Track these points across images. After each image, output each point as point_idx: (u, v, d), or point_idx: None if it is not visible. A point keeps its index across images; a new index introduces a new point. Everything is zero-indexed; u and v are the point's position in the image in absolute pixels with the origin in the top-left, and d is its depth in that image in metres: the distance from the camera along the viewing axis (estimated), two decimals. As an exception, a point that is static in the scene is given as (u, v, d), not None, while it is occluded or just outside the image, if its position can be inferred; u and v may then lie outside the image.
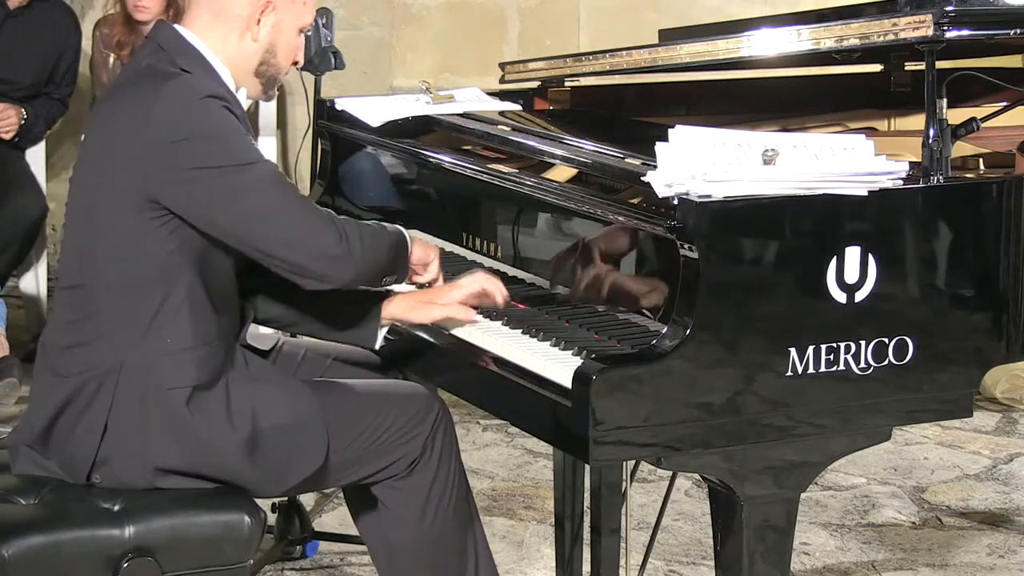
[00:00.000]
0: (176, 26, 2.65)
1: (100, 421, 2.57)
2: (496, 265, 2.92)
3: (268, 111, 5.82)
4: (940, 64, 2.59)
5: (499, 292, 2.69)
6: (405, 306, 2.73)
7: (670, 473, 3.39)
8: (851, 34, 2.74)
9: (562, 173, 2.85)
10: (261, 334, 2.85)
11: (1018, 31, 2.70)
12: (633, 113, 3.47)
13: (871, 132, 3.19)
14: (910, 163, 2.51)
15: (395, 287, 2.74)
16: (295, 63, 2.75)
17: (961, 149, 2.77)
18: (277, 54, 2.68)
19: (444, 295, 2.71)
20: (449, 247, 3.07)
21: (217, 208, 2.52)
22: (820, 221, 2.40)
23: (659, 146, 2.41)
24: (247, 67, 2.67)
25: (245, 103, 2.68)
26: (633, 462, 3.07)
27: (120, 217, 2.54)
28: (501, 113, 3.29)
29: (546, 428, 2.42)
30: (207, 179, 2.50)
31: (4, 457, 2.71)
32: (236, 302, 2.69)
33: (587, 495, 3.27)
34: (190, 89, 2.53)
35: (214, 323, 2.61)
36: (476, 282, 2.70)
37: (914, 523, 4.19)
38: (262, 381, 2.67)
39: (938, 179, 2.52)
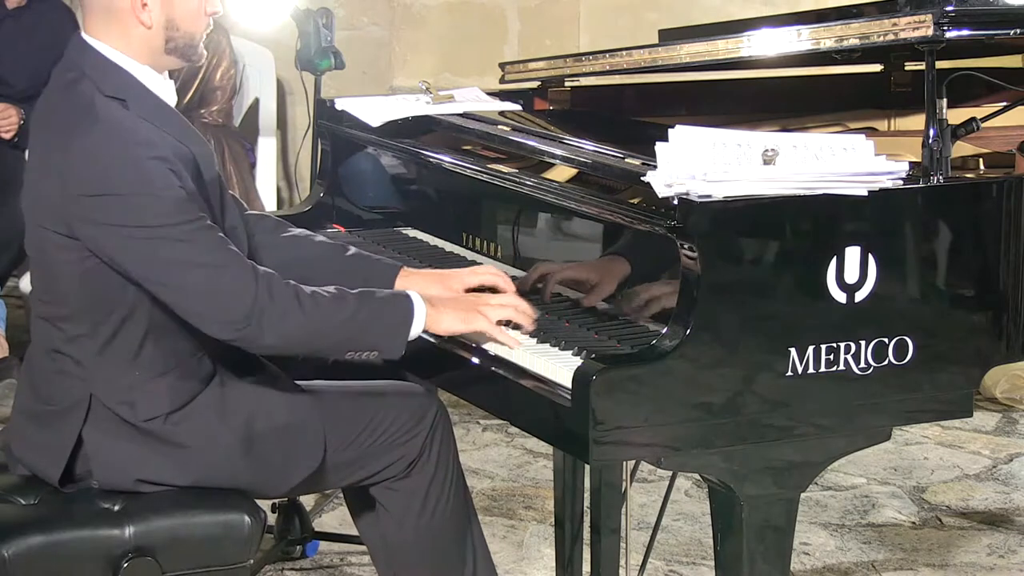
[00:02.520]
0: (89, 41, 2.55)
1: (68, 446, 2.56)
2: (496, 265, 2.92)
3: (268, 111, 5.81)
4: (940, 64, 2.59)
5: (529, 317, 2.56)
6: (439, 317, 2.57)
7: (670, 473, 3.39)
8: (851, 34, 2.74)
9: (562, 173, 2.85)
10: None
11: (1018, 31, 2.70)
12: (633, 113, 3.47)
13: (871, 132, 3.19)
14: (910, 163, 2.51)
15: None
16: (213, 14, 2.62)
17: (961, 149, 2.77)
18: (180, 26, 2.57)
19: (479, 313, 2.55)
20: (449, 247, 3.07)
21: (128, 264, 2.47)
22: (820, 221, 2.40)
23: (659, 146, 2.41)
24: (157, 50, 2.57)
25: (172, 96, 2.60)
26: (633, 462, 3.07)
27: (62, 254, 2.51)
28: (501, 113, 3.29)
29: (546, 428, 2.42)
30: (114, 236, 2.44)
31: (4, 458, 2.72)
32: None
33: (587, 495, 3.27)
34: (110, 138, 2.45)
35: (188, 340, 2.57)
36: (510, 303, 2.58)
37: (914, 523, 4.19)
38: (259, 382, 2.65)
39: (938, 179, 2.52)
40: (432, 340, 2.66)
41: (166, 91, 2.60)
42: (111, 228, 2.44)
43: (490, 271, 2.69)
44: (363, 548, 3.59)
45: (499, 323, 2.55)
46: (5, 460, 2.69)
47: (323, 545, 3.87)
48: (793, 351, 2.37)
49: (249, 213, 2.82)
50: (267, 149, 5.77)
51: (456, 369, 2.64)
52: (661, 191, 2.37)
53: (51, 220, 2.50)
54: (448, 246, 3.07)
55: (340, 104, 3.34)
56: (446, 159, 3.04)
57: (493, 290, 2.66)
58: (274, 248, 2.76)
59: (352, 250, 2.79)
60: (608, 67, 3.29)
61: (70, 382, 2.57)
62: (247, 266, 2.49)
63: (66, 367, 2.57)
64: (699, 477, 2.69)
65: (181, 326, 2.55)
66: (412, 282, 2.69)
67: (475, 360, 2.57)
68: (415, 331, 2.55)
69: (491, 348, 2.55)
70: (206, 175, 2.57)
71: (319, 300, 2.50)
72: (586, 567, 3.32)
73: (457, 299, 2.62)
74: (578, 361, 2.38)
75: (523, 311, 2.55)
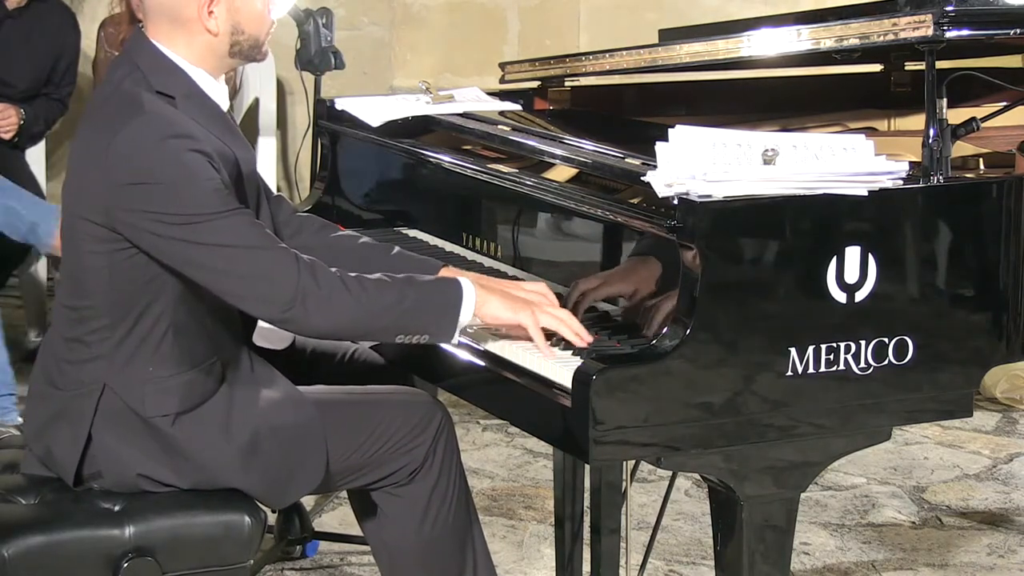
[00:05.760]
0: (150, 39, 2.60)
1: (82, 437, 2.57)
2: (496, 265, 2.92)
3: (268, 111, 5.82)
4: (940, 64, 2.59)
5: (578, 337, 2.48)
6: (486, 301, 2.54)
7: (670, 473, 3.39)
8: (851, 34, 2.74)
9: (562, 173, 2.85)
10: (273, 334, 2.84)
11: (1018, 31, 2.70)
12: (633, 113, 3.47)
13: (871, 132, 3.19)
14: (910, 163, 2.51)
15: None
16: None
17: (961, 149, 2.77)
18: (245, 30, 2.62)
19: (527, 309, 2.51)
20: (449, 247, 3.07)
21: (169, 252, 2.49)
22: (820, 221, 2.40)
23: (659, 146, 2.41)
24: (221, 55, 2.62)
25: (225, 100, 2.65)
26: (633, 462, 3.07)
27: (95, 246, 2.53)
28: (501, 113, 3.29)
29: (546, 428, 2.42)
30: (156, 223, 2.46)
31: (11, 456, 2.72)
32: (237, 313, 2.64)
33: (587, 495, 3.27)
34: (152, 129, 2.48)
35: (205, 343, 2.59)
36: (561, 315, 2.51)
37: (914, 523, 4.19)
38: (265, 392, 2.65)
39: (938, 179, 2.52)
40: (469, 342, 2.60)
41: (218, 94, 2.64)
42: (152, 216, 2.46)
43: (538, 290, 2.62)
44: (363, 548, 3.61)
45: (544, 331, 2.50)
46: (23, 457, 2.69)
47: (323, 545, 3.87)
48: (793, 351, 2.37)
49: (297, 215, 2.87)
50: (267, 149, 5.78)
51: (457, 370, 2.64)
52: (661, 191, 2.37)
53: (90, 209, 2.52)
54: (448, 246, 3.07)
55: (340, 104, 3.34)
56: (446, 159, 3.04)
57: None
58: (320, 248, 2.78)
59: (396, 249, 2.81)
60: (608, 67, 3.30)
61: (84, 370, 2.58)
62: (288, 251, 2.52)
63: (82, 356, 2.58)
64: (699, 477, 2.69)
65: (201, 328, 2.58)
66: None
67: (475, 360, 2.57)
68: (465, 315, 2.53)
69: (492, 347, 2.55)
70: (246, 178, 2.61)
71: (365, 284, 2.52)
72: (586, 567, 3.32)
73: (506, 292, 2.60)
74: (578, 361, 2.38)
75: (574, 329, 2.49)
